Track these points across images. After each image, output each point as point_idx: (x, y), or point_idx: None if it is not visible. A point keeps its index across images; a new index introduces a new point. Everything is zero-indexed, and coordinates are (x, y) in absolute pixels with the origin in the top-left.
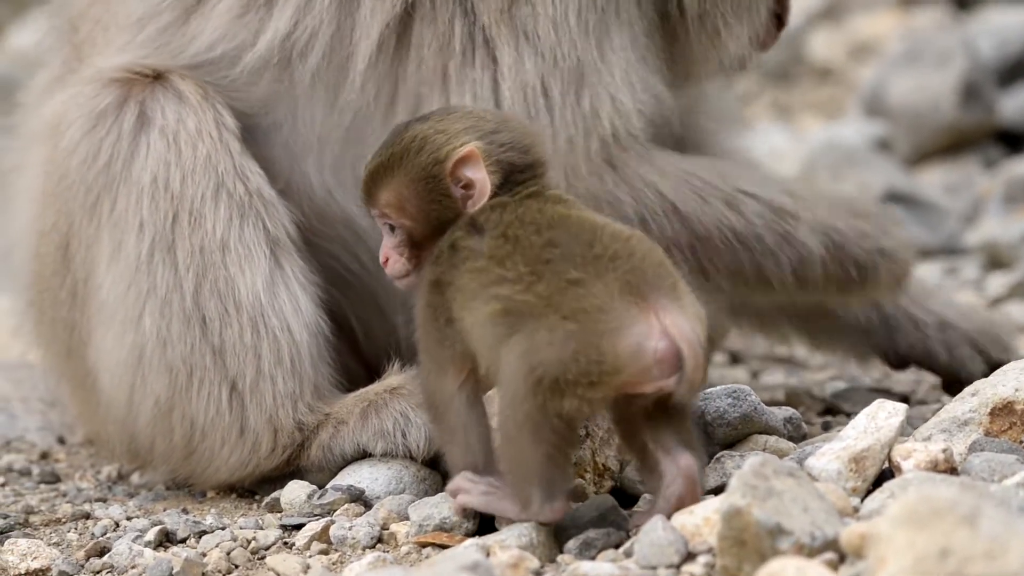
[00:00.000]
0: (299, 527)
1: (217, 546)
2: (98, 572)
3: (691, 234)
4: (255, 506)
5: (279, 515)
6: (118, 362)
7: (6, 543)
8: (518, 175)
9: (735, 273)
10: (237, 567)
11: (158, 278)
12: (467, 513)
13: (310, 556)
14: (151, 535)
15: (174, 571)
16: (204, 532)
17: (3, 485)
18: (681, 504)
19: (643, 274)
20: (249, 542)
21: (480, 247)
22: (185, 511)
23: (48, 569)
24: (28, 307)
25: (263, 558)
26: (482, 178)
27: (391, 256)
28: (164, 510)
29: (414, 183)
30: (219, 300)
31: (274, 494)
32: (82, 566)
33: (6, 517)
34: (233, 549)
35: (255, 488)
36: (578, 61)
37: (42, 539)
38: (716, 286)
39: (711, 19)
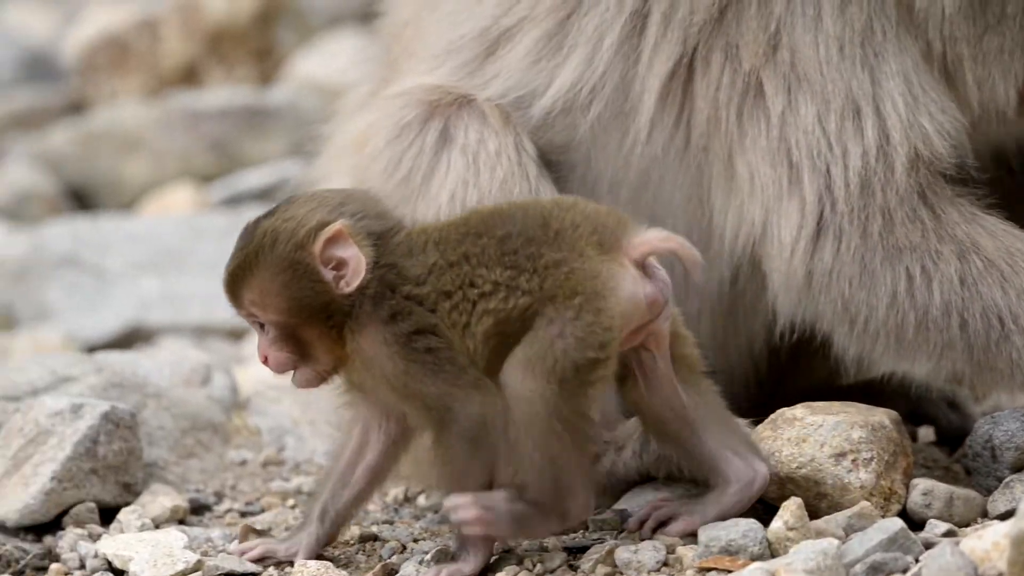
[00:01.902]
0: (584, 550)
1: (503, 569)
2: None
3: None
4: None
5: (563, 538)
6: None
7: (296, 564)
8: (383, 242)
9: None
10: None
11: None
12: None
13: None
14: (436, 556)
15: None
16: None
17: (293, 507)
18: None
19: (606, 228)
20: (535, 564)
21: (428, 287)
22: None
23: None
24: None
25: None
26: (354, 254)
27: (269, 354)
28: (450, 532)
29: (278, 276)
30: None
31: None
32: None
33: None
34: (519, 572)
35: None
36: (849, 94)
37: (331, 560)
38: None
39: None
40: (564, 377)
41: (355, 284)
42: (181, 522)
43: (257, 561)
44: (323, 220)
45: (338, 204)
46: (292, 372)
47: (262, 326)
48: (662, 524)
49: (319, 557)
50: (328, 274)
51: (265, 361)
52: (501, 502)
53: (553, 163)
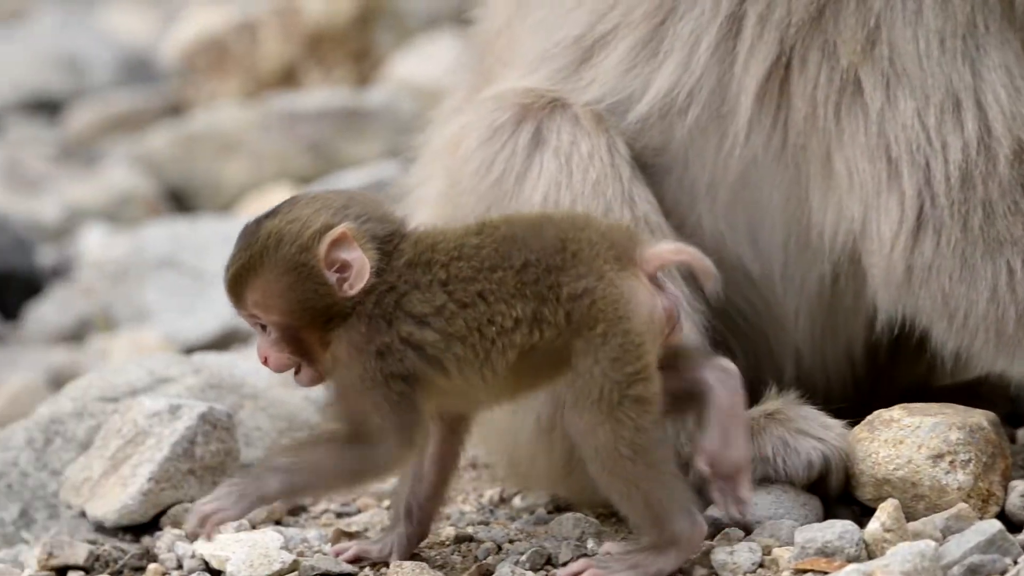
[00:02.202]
0: None
1: None
2: None
3: None
4: (632, 530)
5: None
6: None
7: (392, 565)
8: (386, 246)
9: None
10: None
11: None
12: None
13: None
14: (531, 557)
15: None
16: (585, 555)
17: (388, 508)
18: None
19: (620, 244)
20: None
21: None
22: (565, 537)
23: None
24: None
25: None
26: (358, 257)
27: (270, 355)
28: (545, 533)
29: (282, 277)
30: None
31: None
32: None
33: None
34: None
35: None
36: (949, 88)
37: (426, 561)
38: None
39: None
40: (612, 402)
41: (358, 287)
42: (277, 523)
43: (352, 562)
44: (328, 222)
45: (342, 207)
46: (293, 372)
47: (263, 327)
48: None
49: (413, 556)
50: (332, 277)
51: (265, 361)
52: (615, 563)
53: (648, 167)
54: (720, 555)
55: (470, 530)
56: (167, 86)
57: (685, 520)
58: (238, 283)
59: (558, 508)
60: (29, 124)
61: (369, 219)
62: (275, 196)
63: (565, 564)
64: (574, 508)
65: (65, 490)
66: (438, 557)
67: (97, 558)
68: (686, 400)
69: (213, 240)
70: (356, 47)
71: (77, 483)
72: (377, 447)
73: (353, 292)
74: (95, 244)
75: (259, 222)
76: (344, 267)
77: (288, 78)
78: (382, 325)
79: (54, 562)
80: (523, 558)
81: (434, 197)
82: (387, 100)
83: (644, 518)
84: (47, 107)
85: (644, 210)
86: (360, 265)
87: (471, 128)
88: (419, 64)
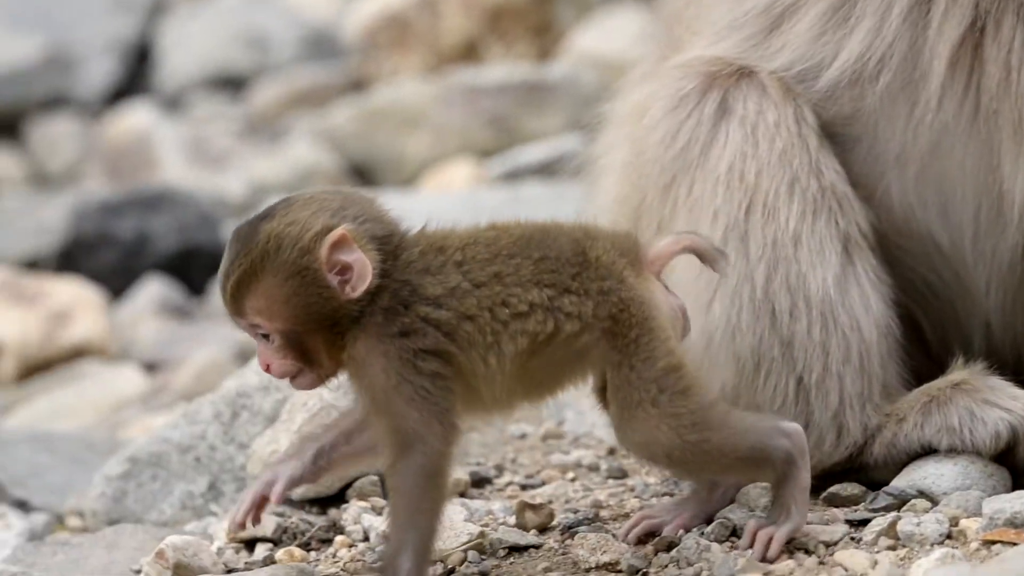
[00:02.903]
0: (865, 523)
1: (788, 542)
2: (665, 566)
3: None
4: (818, 501)
5: (844, 510)
6: (688, 345)
7: (576, 537)
8: (386, 246)
9: None
10: (801, 565)
11: (730, 266)
12: None
13: (877, 552)
14: (716, 529)
15: (736, 568)
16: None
17: (573, 480)
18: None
19: (629, 251)
20: (816, 541)
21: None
22: (751, 508)
23: (617, 563)
24: None
25: (832, 554)
26: (359, 258)
27: (272, 362)
28: (729, 504)
29: (284, 283)
30: (789, 293)
31: (832, 488)
32: (650, 560)
33: (576, 512)
34: (802, 546)
35: (816, 482)
36: None
37: (611, 533)
38: None
39: None
40: (656, 400)
41: (361, 289)
42: (462, 495)
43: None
44: (327, 224)
45: (339, 208)
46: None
47: (266, 336)
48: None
49: (599, 529)
50: (333, 279)
51: (267, 369)
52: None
53: (837, 136)
54: (907, 526)
55: (654, 502)
56: (349, 62)
57: (780, 438)
58: (239, 291)
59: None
60: (214, 101)
61: (367, 219)
62: (457, 170)
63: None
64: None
65: (252, 463)
66: (622, 529)
67: (285, 530)
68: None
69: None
70: (536, 21)
71: (264, 456)
72: (428, 441)
73: (356, 295)
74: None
75: (254, 225)
76: (345, 269)
77: (469, 53)
78: (400, 310)
79: (242, 535)
80: (708, 529)
81: (619, 166)
82: (568, 74)
83: (752, 468)
84: (232, 84)
85: (831, 180)
86: (361, 267)
87: (657, 97)
88: (600, 37)
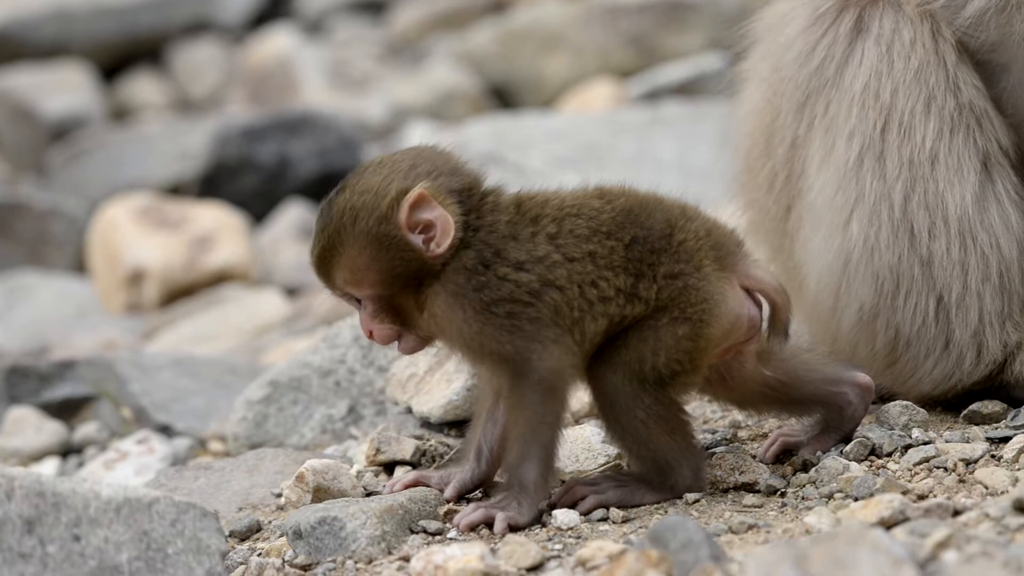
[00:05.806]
0: (1006, 440)
1: (927, 460)
2: (803, 486)
3: None
4: (959, 420)
5: (985, 428)
6: (825, 265)
7: (714, 458)
8: (468, 199)
9: None
10: (941, 483)
11: (867, 186)
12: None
13: (1019, 469)
14: (854, 449)
15: (875, 487)
16: (909, 446)
17: (710, 400)
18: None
19: (723, 246)
20: (956, 457)
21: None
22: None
23: (755, 483)
24: (735, 178)
25: (972, 472)
26: (440, 215)
27: (374, 328)
28: (870, 422)
29: (366, 250)
30: (927, 212)
31: (973, 406)
32: (788, 480)
33: (714, 432)
34: (942, 465)
35: (956, 401)
36: None
37: (749, 454)
38: None
39: None
40: (644, 378)
41: (445, 244)
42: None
43: (411, 486)
44: (402, 187)
45: (410, 168)
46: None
47: (359, 302)
48: (788, 451)
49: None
50: (417, 239)
51: (370, 335)
52: (607, 482)
53: (984, 63)
54: None
55: (792, 421)
56: None
57: (688, 473)
58: (324, 264)
59: (881, 398)
60: (355, 24)
61: (440, 174)
62: (596, 91)
63: (890, 455)
64: (897, 397)
65: (391, 387)
66: (759, 448)
67: (423, 453)
68: (815, 405)
69: (536, 136)
70: None
71: (403, 380)
72: (533, 359)
73: (441, 250)
74: (419, 142)
75: (331, 201)
76: (428, 227)
77: None
78: (480, 269)
79: (382, 457)
80: (847, 448)
81: (757, 79)
82: None
83: (647, 466)
84: (372, 7)
85: (970, 96)
86: (444, 222)
87: (793, 15)
88: None
